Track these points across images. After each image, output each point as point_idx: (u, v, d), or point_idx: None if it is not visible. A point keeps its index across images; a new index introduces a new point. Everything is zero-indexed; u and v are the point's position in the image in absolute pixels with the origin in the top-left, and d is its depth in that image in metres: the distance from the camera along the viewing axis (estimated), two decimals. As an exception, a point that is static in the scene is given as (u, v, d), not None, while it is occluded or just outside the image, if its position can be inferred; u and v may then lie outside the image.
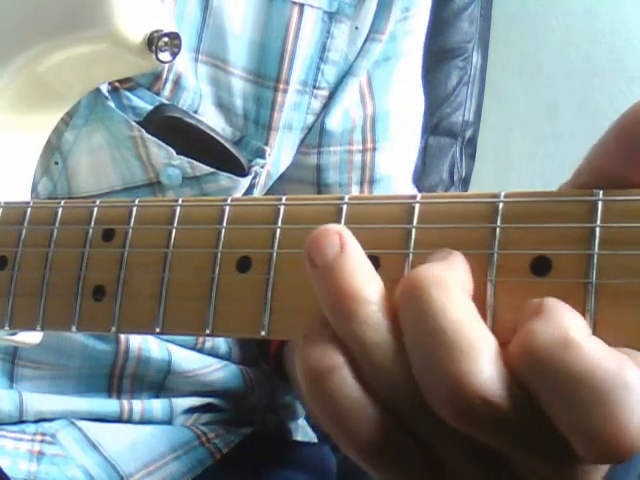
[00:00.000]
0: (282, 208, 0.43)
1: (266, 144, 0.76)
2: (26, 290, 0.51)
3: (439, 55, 1.54)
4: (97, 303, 0.48)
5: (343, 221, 0.41)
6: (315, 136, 0.80)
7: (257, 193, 0.79)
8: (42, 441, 0.79)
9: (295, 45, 0.74)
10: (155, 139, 0.73)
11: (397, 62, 0.81)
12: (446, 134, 1.58)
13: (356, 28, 0.76)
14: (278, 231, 0.43)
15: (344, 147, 0.81)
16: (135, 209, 0.48)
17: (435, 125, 1.57)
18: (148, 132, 0.73)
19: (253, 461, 0.89)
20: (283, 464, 0.92)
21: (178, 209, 0.47)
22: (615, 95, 2.07)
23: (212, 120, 0.75)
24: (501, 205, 0.38)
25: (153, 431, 0.84)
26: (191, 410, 0.87)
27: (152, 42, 0.59)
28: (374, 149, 0.82)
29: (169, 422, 0.85)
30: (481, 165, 1.69)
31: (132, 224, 0.48)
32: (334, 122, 0.79)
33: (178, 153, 0.74)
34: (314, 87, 0.76)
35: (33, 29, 0.61)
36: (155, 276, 0.46)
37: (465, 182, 1.62)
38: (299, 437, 0.99)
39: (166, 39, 0.59)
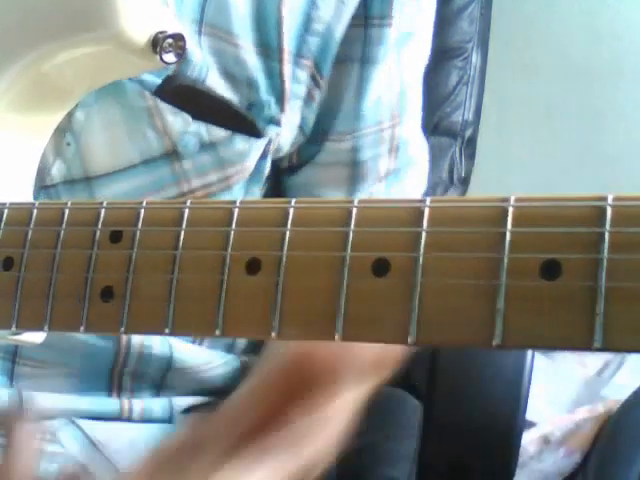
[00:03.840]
0: (291, 211, 0.44)
1: (281, 112, 0.77)
2: (33, 291, 0.51)
3: (439, 55, 1.54)
4: (105, 304, 0.48)
5: (353, 224, 0.42)
6: (350, 122, 0.82)
7: (269, 162, 0.80)
8: (42, 439, 0.79)
9: (288, 14, 0.75)
10: (170, 107, 0.74)
11: (412, 39, 0.83)
12: (446, 134, 1.58)
13: (342, 2, 0.77)
14: (288, 233, 0.43)
15: (377, 127, 0.83)
16: (143, 211, 0.48)
17: (435, 125, 1.57)
18: (163, 101, 0.74)
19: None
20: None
21: (186, 211, 0.47)
22: (615, 95, 2.07)
23: (219, 91, 0.75)
24: (511, 209, 0.38)
25: (153, 430, 0.84)
26: (191, 409, 0.87)
27: (157, 43, 0.59)
28: (400, 123, 0.85)
29: (169, 421, 0.85)
30: (481, 165, 1.69)
31: (140, 226, 0.48)
32: (368, 106, 0.81)
33: (194, 119, 0.74)
34: (298, 56, 0.77)
35: (37, 30, 0.61)
36: (164, 277, 0.46)
37: (465, 182, 1.63)
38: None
39: (170, 40, 0.59)
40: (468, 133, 1.60)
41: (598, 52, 2.07)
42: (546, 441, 1.69)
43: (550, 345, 0.37)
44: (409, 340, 0.39)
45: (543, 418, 1.73)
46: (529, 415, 1.60)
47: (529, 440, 1.68)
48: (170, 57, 0.59)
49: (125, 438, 0.82)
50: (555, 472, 1.69)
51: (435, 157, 1.54)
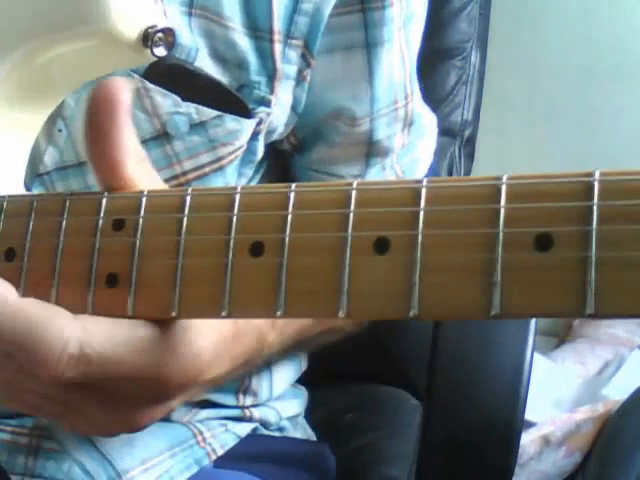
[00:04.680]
0: (292, 195, 0.45)
1: (271, 93, 0.77)
2: (37, 280, 0.51)
3: (437, 55, 1.54)
4: (111, 290, 0.49)
5: (352, 205, 0.43)
6: (365, 107, 0.83)
7: (261, 143, 0.81)
8: (40, 436, 0.79)
9: None
10: (159, 88, 0.74)
11: (414, 18, 0.84)
12: (445, 134, 1.58)
13: None
14: (289, 216, 0.44)
15: (391, 107, 0.84)
16: (145, 199, 0.49)
17: (433, 125, 1.57)
18: (151, 83, 0.74)
19: (251, 458, 0.89)
20: (282, 462, 0.93)
21: (188, 198, 0.48)
22: (615, 95, 2.07)
23: (209, 72, 0.76)
24: (504, 187, 0.40)
25: (150, 427, 0.83)
26: (188, 404, 0.87)
27: (147, 38, 0.59)
28: (412, 100, 0.87)
29: (167, 415, 0.85)
30: (480, 165, 1.69)
31: (142, 214, 0.49)
32: (382, 89, 0.82)
33: (183, 100, 0.75)
34: (288, 37, 0.77)
35: (28, 25, 0.61)
36: (169, 262, 0.47)
37: (464, 182, 1.63)
38: (298, 435, 0.99)
39: (161, 34, 0.59)
40: (467, 133, 1.60)
41: (598, 52, 2.08)
42: (546, 441, 1.69)
43: (545, 313, 0.38)
44: (411, 314, 0.40)
45: (543, 418, 1.74)
46: (529, 415, 1.61)
47: (529, 440, 1.68)
48: (160, 51, 0.59)
49: (123, 435, 0.82)
50: (555, 472, 1.69)
51: (434, 157, 1.55)
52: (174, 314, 0.46)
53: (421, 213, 0.41)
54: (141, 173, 0.52)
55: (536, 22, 2.10)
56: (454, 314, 0.40)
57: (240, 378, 0.87)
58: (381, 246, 0.41)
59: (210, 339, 0.54)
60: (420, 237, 0.40)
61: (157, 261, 0.48)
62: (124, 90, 0.52)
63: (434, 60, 1.53)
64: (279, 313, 0.43)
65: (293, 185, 0.45)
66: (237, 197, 0.46)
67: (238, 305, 0.45)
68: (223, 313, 0.45)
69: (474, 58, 1.57)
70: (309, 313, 0.43)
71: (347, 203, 0.43)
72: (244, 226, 0.45)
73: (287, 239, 0.44)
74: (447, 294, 0.40)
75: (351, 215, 0.42)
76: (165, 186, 0.54)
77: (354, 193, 0.43)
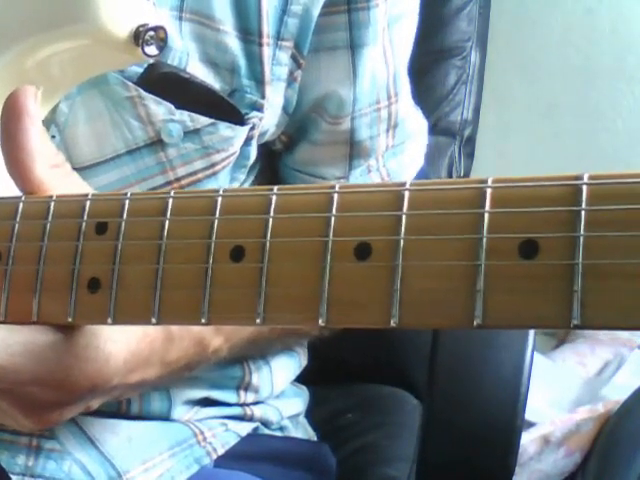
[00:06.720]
0: (274, 198, 0.44)
1: (262, 98, 0.77)
2: (21, 284, 0.51)
3: (437, 54, 1.54)
4: (92, 295, 0.48)
5: (334, 209, 0.42)
6: (347, 106, 0.82)
7: (254, 147, 0.81)
8: (40, 436, 0.79)
9: None
10: (153, 96, 0.74)
11: (402, 20, 0.84)
12: (444, 133, 1.57)
13: None
14: (270, 220, 0.43)
15: (373, 107, 0.84)
16: (127, 202, 0.48)
17: (433, 124, 1.57)
18: (145, 91, 0.74)
19: (251, 458, 0.89)
20: (282, 462, 0.93)
21: (170, 201, 0.47)
22: (615, 95, 2.07)
23: (200, 77, 0.76)
24: (489, 190, 0.38)
25: (151, 427, 0.84)
26: (189, 403, 0.87)
27: (138, 36, 0.59)
28: (397, 101, 0.86)
29: (167, 414, 0.85)
30: (480, 164, 1.69)
31: (125, 217, 0.48)
32: (364, 89, 0.82)
33: (177, 108, 0.75)
34: (278, 39, 0.77)
35: (19, 25, 0.61)
36: (150, 267, 0.46)
37: (464, 181, 1.62)
38: (299, 434, 0.99)
39: (152, 33, 0.59)
40: (467, 132, 1.59)
41: (598, 52, 2.07)
42: (546, 441, 1.69)
43: (529, 324, 0.37)
44: (392, 322, 0.39)
45: (543, 418, 1.73)
46: (529, 415, 1.60)
47: (529, 440, 1.68)
48: (152, 49, 0.59)
49: (123, 435, 0.82)
50: (555, 472, 1.69)
51: (434, 156, 1.54)
52: (154, 320, 0.46)
53: (403, 218, 0.40)
54: (53, 177, 0.54)
55: (536, 21, 2.09)
56: (436, 323, 0.39)
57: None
58: (362, 252, 0.41)
59: (127, 344, 0.56)
60: (402, 243, 0.39)
61: (138, 266, 0.47)
62: (30, 98, 0.53)
63: (434, 59, 1.53)
64: (258, 321, 0.42)
65: (275, 188, 0.44)
66: (219, 200, 0.45)
67: (217, 312, 0.44)
68: (202, 320, 0.44)
69: (474, 57, 1.57)
70: (289, 321, 0.43)
71: (329, 207, 0.42)
72: (225, 230, 0.45)
73: (268, 244, 0.43)
74: (429, 302, 0.39)
75: (332, 219, 0.42)
76: (90, 189, 0.55)
77: (336, 196, 0.42)
